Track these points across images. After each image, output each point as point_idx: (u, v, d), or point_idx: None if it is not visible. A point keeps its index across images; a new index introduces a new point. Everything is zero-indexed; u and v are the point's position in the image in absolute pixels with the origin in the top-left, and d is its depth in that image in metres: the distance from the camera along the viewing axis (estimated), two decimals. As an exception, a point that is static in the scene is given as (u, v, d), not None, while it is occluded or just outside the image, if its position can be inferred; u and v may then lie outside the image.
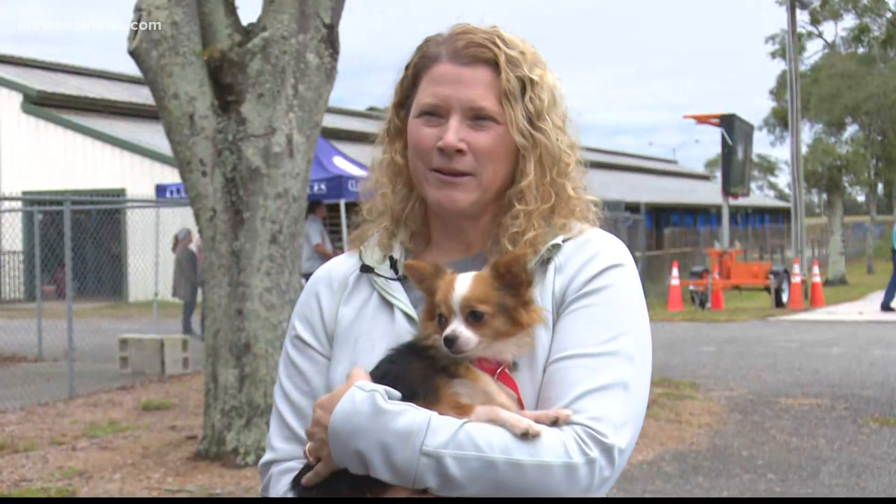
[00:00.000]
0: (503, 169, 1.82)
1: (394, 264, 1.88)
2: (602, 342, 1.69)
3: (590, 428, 1.61)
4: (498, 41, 1.81)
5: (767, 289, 24.33)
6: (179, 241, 17.52)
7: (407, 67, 1.89)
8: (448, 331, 1.63)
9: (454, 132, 1.78)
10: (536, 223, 1.78)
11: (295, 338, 1.92)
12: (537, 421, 1.60)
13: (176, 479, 7.32)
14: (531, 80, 1.80)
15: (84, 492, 7.07)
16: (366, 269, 1.89)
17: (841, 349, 15.22)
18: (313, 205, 15.57)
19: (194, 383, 11.51)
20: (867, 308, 23.22)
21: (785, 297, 23.91)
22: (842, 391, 11.24)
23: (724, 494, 7.04)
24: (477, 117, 1.79)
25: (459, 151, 1.78)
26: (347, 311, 1.87)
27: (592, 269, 1.75)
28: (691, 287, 23.94)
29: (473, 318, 1.64)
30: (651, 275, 27.46)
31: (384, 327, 1.81)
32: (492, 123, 1.79)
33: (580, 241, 1.80)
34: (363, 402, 1.60)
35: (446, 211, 1.83)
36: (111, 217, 21.35)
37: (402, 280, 1.85)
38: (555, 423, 1.61)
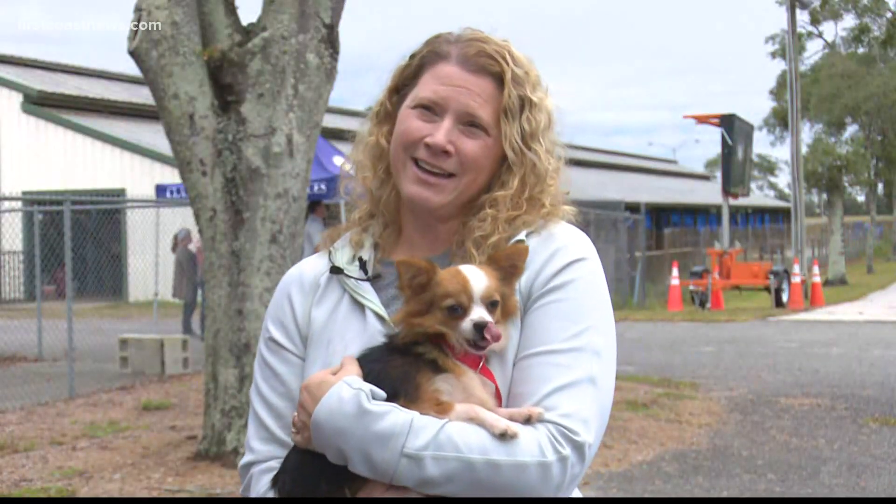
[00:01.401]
0: (483, 178, 1.86)
1: (363, 265, 1.90)
2: (569, 338, 1.72)
3: (562, 426, 1.65)
4: (508, 57, 1.85)
5: (767, 289, 24.35)
6: (179, 242, 17.53)
7: (412, 57, 1.92)
8: (477, 317, 1.67)
9: (445, 133, 1.81)
10: (501, 227, 1.82)
11: (269, 340, 1.94)
12: (511, 419, 1.64)
13: (176, 479, 7.32)
14: (531, 102, 1.84)
15: (84, 492, 7.06)
16: (336, 270, 1.91)
17: (841, 349, 15.22)
18: (313, 204, 15.58)
19: (194, 383, 11.50)
20: (867, 308, 23.23)
21: (785, 297, 23.92)
22: (842, 391, 11.24)
23: (724, 494, 7.04)
24: (470, 124, 1.83)
25: (446, 152, 1.82)
26: (320, 313, 1.89)
27: (557, 264, 1.78)
28: (691, 287, 23.94)
29: (492, 307, 1.69)
30: (651, 275, 27.47)
31: (356, 328, 1.83)
32: (482, 133, 1.83)
33: (543, 235, 1.83)
34: (348, 401, 1.63)
35: (418, 208, 1.87)
36: (111, 217, 21.34)
37: (372, 281, 1.88)
38: (528, 420, 1.65)
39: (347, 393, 1.64)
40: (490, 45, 1.86)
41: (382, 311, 1.82)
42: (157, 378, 12.39)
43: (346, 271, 1.89)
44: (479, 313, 1.67)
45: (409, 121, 1.85)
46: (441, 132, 1.81)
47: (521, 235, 1.82)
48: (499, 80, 1.83)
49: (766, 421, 9.65)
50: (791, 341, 16.40)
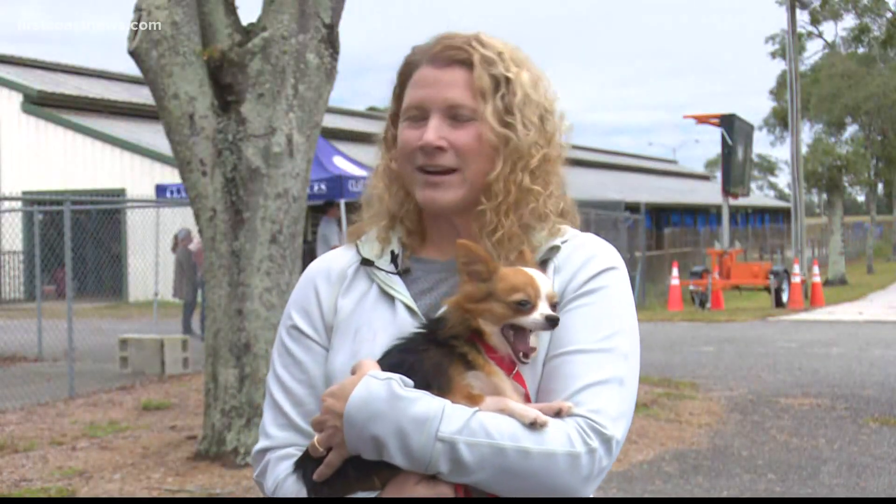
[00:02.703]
0: (488, 165, 1.87)
1: (394, 258, 1.93)
2: (600, 339, 1.77)
3: (591, 420, 1.69)
4: (475, 43, 1.87)
5: (767, 289, 24.34)
6: (179, 242, 17.54)
7: (398, 77, 1.96)
8: (549, 312, 1.72)
9: (433, 130, 1.84)
10: (504, 221, 1.85)
11: (291, 327, 1.94)
12: (541, 412, 1.68)
13: (176, 479, 7.33)
14: (506, 78, 1.85)
15: (84, 492, 7.06)
16: (366, 262, 1.94)
17: (841, 349, 15.22)
18: (327, 205, 15.60)
19: (194, 383, 11.50)
20: (867, 308, 23.23)
21: (785, 297, 23.91)
22: (842, 391, 11.24)
23: (724, 494, 7.04)
24: (455, 116, 1.85)
25: (440, 149, 1.84)
26: (347, 303, 1.91)
27: (590, 271, 1.84)
28: (691, 287, 23.94)
29: (553, 308, 1.75)
30: (651, 275, 27.46)
31: (386, 318, 1.86)
32: (471, 121, 1.85)
33: (576, 244, 1.89)
34: (380, 388, 1.66)
35: (431, 210, 1.90)
36: (111, 217, 21.33)
37: (402, 275, 1.91)
38: (557, 414, 1.69)
39: (376, 383, 1.67)
40: (456, 38, 1.89)
41: (413, 304, 1.86)
42: (157, 378, 12.38)
43: (376, 264, 1.92)
44: (547, 309, 1.73)
45: (403, 134, 1.89)
46: (430, 131, 1.84)
47: (557, 242, 1.88)
48: (469, 65, 1.86)
49: (766, 421, 9.66)
50: (791, 341, 16.40)
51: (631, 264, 25.79)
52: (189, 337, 14.17)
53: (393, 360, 1.73)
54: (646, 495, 7.02)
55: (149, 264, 18.21)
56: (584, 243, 1.89)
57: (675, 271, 24.11)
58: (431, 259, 1.93)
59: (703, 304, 23.52)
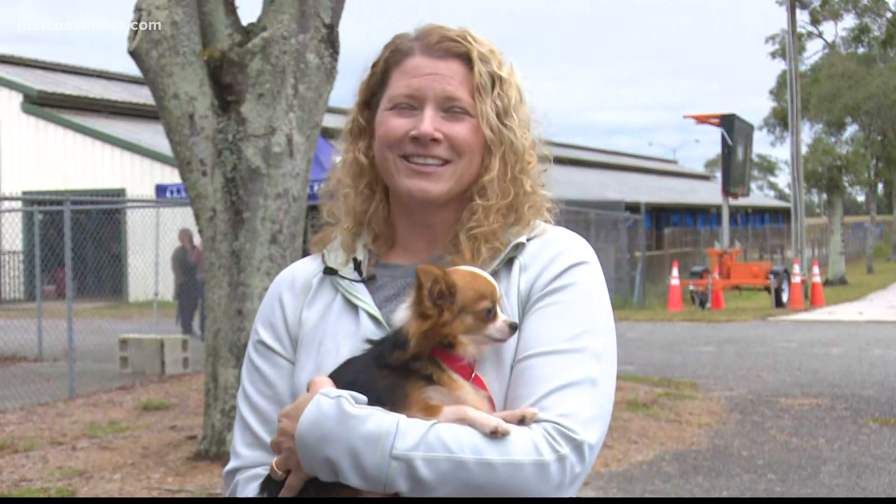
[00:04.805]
0: (477, 161, 1.82)
1: (357, 266, 1.86)
2: (569, 339, 1.68)
3: (559, 425, 1.60)
4: (469, 38, 1.83)
5: (767, 289, 24.36)
6: (179, 241, 17.57)
7: (375, 65, 1.88)
8: (510, 319, 1.68)
9: (429, 121, 1.78)
10: (493, 218, 1.79)
11: (258, 342, 1.89)
12: (504, 421, 1.59)
13: (176, 479, 7.33)
14: (500, 77, 1.82)
15: (84, 492, 7.07)
16: (329, 271, 1.87)
17: (841, 349, 15.22)
18: None
19: (194, 383, 11.51)
20: (867, 308, 23.23)
21: (785, 297, 23.93)
22: (842, 391, 11.24)
23: (724, 494, 7.04)
24: (451, 108, 1.79)
25: (435, 140, 1.78)
26: (311, 314, 1.85)
27: (558, 267, 1.75)
28: (691, 287, 23.96)
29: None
30: (651, 275, 27.46)
31: (349, 329, 1.79)
32: (465, 115, 1.80)
33: (544, 239, 1.81)
34: (329, 407, 1.58)
35: (416, 201, 1.82)
36: (111, 217, 21.32)
37: (367, 282, 1.85)
38: (522, 421, 1.60)
39: (326, 402, 1.59)
40: (450, 31, 1.84)
41: (376, 312, 1.78)
42: (157, 378, 12.39)
43: (340, 272, 1.86)
44: (508, 316, 1.67)
45: (389, 121, 1.81)
46: (426, 121, 1.78)
47: (522, 239, 1.80)
48: (466, 59, 1.81)
49: (766, 421, 9.66)
50: (791, 341, 16.40)
51: (631, 264, 25.82)
52: (189, 337, 14.18)
53: (346, 380, 1.66)
54: (646, 495, 7.02)
55: (149, 264, 18.22)
56: (553, 239, 1.81)
57: (675, 271, 24.11)
58: (397, 264, 1.86)
59: (703, 304, 23.53)
